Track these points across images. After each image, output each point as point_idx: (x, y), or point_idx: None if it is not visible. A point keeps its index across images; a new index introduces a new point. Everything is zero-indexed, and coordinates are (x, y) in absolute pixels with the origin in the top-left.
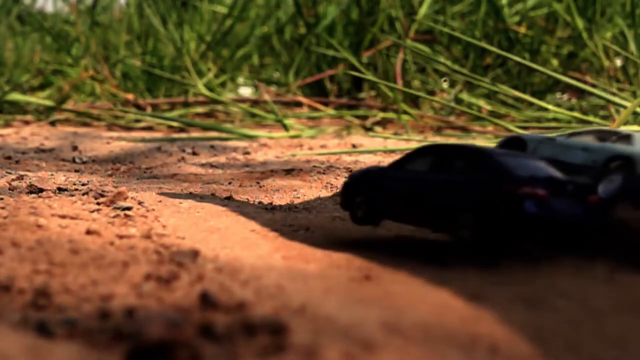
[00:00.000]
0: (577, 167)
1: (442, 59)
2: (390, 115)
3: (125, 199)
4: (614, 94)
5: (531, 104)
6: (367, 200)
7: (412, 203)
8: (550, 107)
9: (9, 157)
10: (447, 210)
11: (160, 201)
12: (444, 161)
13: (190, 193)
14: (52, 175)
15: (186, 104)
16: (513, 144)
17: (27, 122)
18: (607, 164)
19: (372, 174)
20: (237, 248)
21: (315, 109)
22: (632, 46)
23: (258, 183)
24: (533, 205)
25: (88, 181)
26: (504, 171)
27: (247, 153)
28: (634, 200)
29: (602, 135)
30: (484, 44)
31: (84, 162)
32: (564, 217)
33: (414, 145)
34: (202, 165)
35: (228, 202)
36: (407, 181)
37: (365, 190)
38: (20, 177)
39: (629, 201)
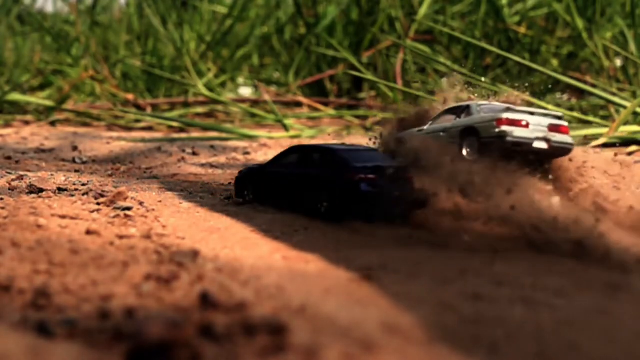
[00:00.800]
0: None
1: (442, 59)
2: (390, 115)
3: (125, 199)
4: (614, 94)
5: (531, 104)
6: (253, 191)
7: (285, 190)
8: (550, 107)
9: (9, 157)
10: (310, 193)
11: (160, 201)
12: (306, 158)
13: (190, 193)
14: (52, 175)
15: (186, 104)
16: (399, 141)
17: (27, 122)
18: (462, 136)
19: (255, 170)
20: (237, 248)
21: (315, 109)
22: (632, 46)
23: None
24: (366, 186)
25: (88, 181)
26: (345, 163)
27: (247, 153)
28: None
29: (455, 112)
30: (484, 44)
31: (84, 162)
32: (388, 191)
33: None
34: (202, 165)
35: (228, 202)
36: (280, 174)
37: (250, 183)
38: (20, 177)
39: None
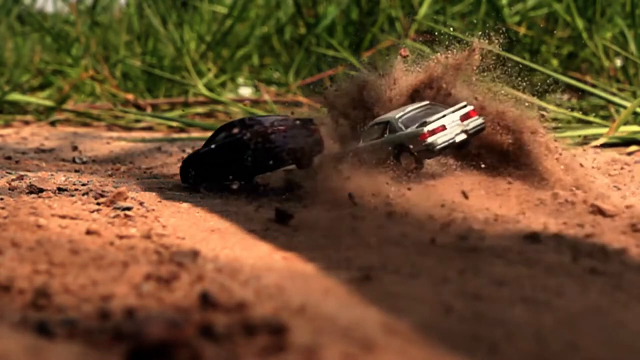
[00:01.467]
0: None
1: None
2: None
3: (125, 199)
4: (614, 94)
5: (531, 104)
6: (195, 174)
7: (216, 163)
8: (550, 107)
9: (9, 157)
10: (236, 154)
11: (160, 201)
12: (229, 131)
13: (190, 193)
14: (52, 175)
15: (186, 104)
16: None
17: (27, 122)
18: (396, 152)
19: (193, 156)
20: (237, 248)
21: (316, 109)
22: (632, 46)
23: (258, 183)
24: (275, 136)
25: (88, 181)
26: (259, 122)
27: None
28: None
29: (380, 126)
30: (484, 44)
31: (84, 162)
32: (295, 143)
33: None
34: None
35: (228, 202)
36: (210, 151)
37: (192, 167)
38: (20, 177)
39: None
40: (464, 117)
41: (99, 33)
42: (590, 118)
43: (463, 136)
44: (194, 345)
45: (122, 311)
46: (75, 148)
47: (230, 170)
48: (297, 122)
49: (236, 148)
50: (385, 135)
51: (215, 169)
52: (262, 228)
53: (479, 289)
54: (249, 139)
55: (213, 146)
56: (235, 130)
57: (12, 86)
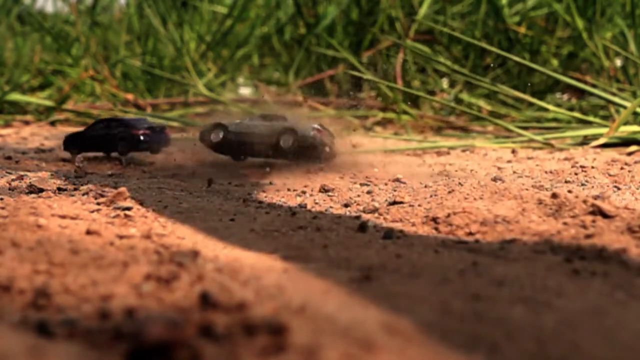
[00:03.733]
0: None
1: (442, 59)
2: (390, 115)
3: (125, 199)
4: (614, 94)
5: (531, 104)
6: (78, 149)
7: (98, 145)
8: (550, 107)
9: (9, 157)
10: (111, 142)
11: (160, 201)
12: (109, 125)
13: (190, 193)
14: (52, 175)
15: (186, 104)
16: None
17: (27, 122)
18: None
19: (76, 134)
20: (237, 248)
21: (315, 109)
22: (632, 46)
23: (258, 183)
24: (145, 137)
25: (88, 181)
26: (132, 125)
27: None
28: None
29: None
30: (484, 44)
31: (83, 162)
32: (155, 141)
33: (414, 145)
34: (202, 165)
35: (228, 202)
36: (94, 135)
37: (74, 144)
38: (20, 177)
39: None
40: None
41: (99, 33)
42: (590, 118)
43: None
44: (194, 345)
45: (122, 311)
46: None
47: (107, 149)
48: (153, 125)
49: (117, 138)
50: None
51: (96, 148)
52: (262, 228)
53: (479, 289)
54: (125, 133)
55: (97, 133)
56: (114, 123)
57: (12, 86)
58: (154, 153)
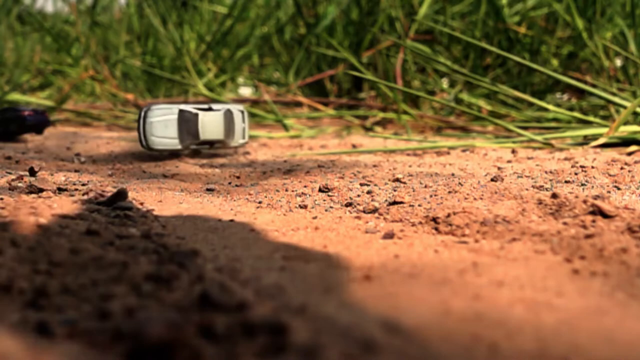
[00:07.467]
0: None
1: (442, 59)
2: (390, 115)
3: (125, 199)
4: (614, 94)
5: (531, 104)
6: None
7: None
8: (550, 107)
9: (9, 157)
10: (4, 124)
11: (160, 201)
12: (5, 111)
13: (190, 193)
14: (52, 175)
15: (186, 104)
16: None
17: None
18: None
19: None
20: (237, 248)
21: (315, 109)
22: (632, 46)
23: (258, 183)
24: (29, 117)
25: (88, 181)
26: (19, 110)
27: (248, 153)
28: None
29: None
30: (484, 44)
31: (83, 162)
32: (37, 120)
33: (414, 145)
34: (202, 165)
35: (228, 202)
36: None
37: None
38: (20, 177)
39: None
40: None
41: (99, 33)
42: (590, 118)
43: None
44: (194, 345)
45: (122, 311)
46: (75, 148)
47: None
48: (37, 109)
49: (4, 121)
50: None
51: None
52: (263, 228)
53: (479, 289)
54: (15, 115)
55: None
56: (7, 108)
57: (12, 86)
58: (38, 134)
